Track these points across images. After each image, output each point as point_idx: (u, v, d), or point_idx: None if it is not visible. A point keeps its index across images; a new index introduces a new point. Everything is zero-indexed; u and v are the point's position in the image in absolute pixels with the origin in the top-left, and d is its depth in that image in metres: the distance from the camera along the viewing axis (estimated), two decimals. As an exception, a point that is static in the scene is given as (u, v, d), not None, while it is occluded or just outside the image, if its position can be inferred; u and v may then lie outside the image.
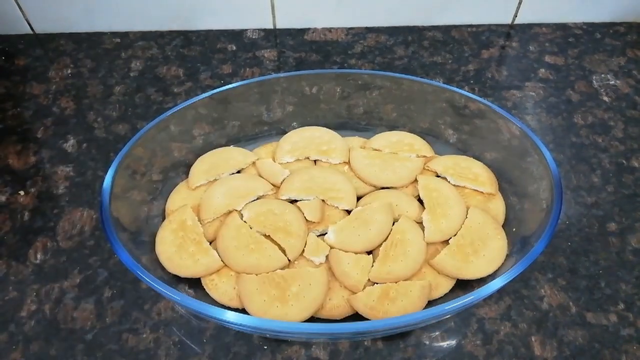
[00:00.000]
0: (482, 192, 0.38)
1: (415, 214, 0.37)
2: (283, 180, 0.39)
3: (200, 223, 0.36)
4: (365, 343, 0.34)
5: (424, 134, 0.43)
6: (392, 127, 0.44)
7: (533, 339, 0.34)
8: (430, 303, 0.33)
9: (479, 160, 0.40)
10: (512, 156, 0.39)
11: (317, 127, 0.44)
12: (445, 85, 0.43)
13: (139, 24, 0.60)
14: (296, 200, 0.38)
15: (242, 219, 0.36)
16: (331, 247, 0.35)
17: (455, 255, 0.34)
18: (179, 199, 0.39)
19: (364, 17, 0.59)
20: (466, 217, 0.36)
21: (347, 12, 0.59)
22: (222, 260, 0.34)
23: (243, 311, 0.32)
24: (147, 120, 0.50)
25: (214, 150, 0.42)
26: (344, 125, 0.45)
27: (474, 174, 0.39)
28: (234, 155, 0.42)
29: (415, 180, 0.39)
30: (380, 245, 0.35)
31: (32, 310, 0.36)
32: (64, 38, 0.59)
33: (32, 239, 0.40)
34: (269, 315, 0.31)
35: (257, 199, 0.38)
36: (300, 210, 0.37)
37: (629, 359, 0.33)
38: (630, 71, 0.54)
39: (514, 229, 0.36)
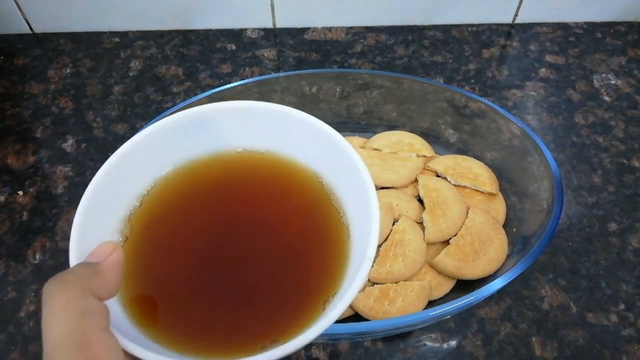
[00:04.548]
0: (482, 192, 0.38)
1: (416, 214, 0.37)
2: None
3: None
4: (365, 344, 0.34)
5: (424, 133, 0.43)
6: (392, 127, 0.44)
7: (533, 340, 0.34)
8: (431, 303, 0.33)
9: (480, 160, 0.40)
10: (512, 156, 0.39)
11: (316, 126, 0.44)
12: (446, 85, 0.43)
13: (138, 24, 0.60)
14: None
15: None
16: (331, 248, 0.35)
17: (455, 255, 0.34)
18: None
19: (364, 17, 0.59)
20: (466, 217, 0.36)
21: (347, 12, 0.58)
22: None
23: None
24: (146, 120, 0.50)
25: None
26: (343, 125, 0.45)
27: (474, 173, 0.39)
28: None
29: (416, 180, 0.39)
30: (380, 245, 0.35)
31: (31, 311, 0.36)
32: (62, 37, 0.59)
33: (31, 239, 0.40)
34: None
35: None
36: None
37: (630, 359, 0.33)
38: (631, 71, 0.54)
39: (515, 229, 0.36)
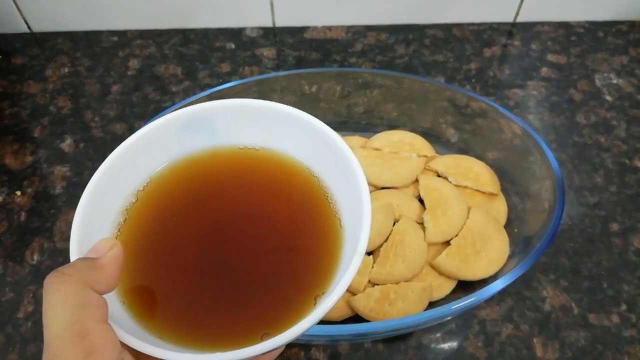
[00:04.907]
0: (483, 192, 0.38)
1: (416, 215, 0.36)
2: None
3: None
4: (366, 345, 0.33)
5: (425, 133, 0.43)
6: (392, 127, 0.44)
7: (535, 341, 0.34)
8: (432, 304, 0.33)
9: (481, 160, 0.40)
10: (514, 156, 0.38)
11: (316, 126, 0.44)
12: (447, 84, 0.43)
13: (136, 22, 0.59)
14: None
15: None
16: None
17: (456, 256, 0.33)
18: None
19: (365, 15, 0.59)
20: (467, 218, 0.36)
21: (347, 10, 0.58)
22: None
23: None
24: (144, 119, 0.50)
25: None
26: (344, 125, 0.45)
27: (475, 173, 0.39)
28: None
29: (416, 180, 0.39)
30: (380, 246, 0.35)
31: (29, 312, 0.36)
32: (61, 37, 0.59)
33: (29, 239, 0.40)
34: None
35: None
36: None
37: (632, 361, 0.33)
38: (633, 70, 0.54)
39: (516, 230, 0.36)
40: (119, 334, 0.17)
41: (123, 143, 0.22)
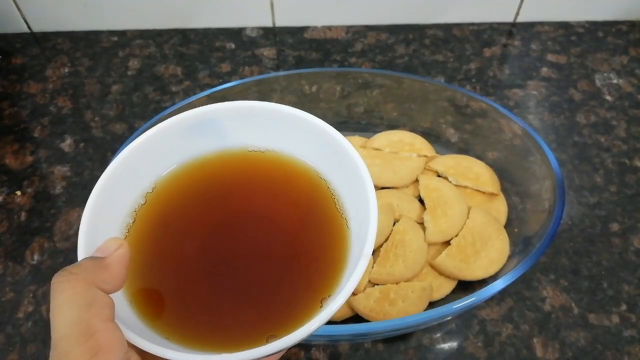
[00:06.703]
0: (483, 192, 0.38)
1: (416, 215, 0.36)
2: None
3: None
4: (366, 345, 0.33)
5: (425, 133, 0.43)
6: (392, 127, 0.44)
7: (535, 341, 0.34)
8: (432, 304, 0.33)
9: (481, 160, 0.40)
10: (514, 156, 0.38)
11: (316, 126, 0.44)
12: (447, 84, 0.43)
13: (136, 22, 0.59)
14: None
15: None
16: (331, 248, 0.35)
17: (456, 256, 0.33)
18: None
19: (365, 15, 0.59)
20: (467, 218, 0.36)
21: (347, 10, 0.58)
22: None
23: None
24: (144, 119, 0.50)
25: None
26: (344, 125, 0.45)
27: (475, 173, 0.39)
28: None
29: (416, 180, 0.39)
30: (380, 245, 0.35)
31: (29, 312, 0.36)
32: (61, 37, 0.59)
33: (29, 239, 0.40)
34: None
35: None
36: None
37: (632, 361, 0.33)
38: (633, 70, 0.54)
39: (516, 230, 0.36)
40: (125, 334, 0.17)
41: (130, 144, 0.22)
